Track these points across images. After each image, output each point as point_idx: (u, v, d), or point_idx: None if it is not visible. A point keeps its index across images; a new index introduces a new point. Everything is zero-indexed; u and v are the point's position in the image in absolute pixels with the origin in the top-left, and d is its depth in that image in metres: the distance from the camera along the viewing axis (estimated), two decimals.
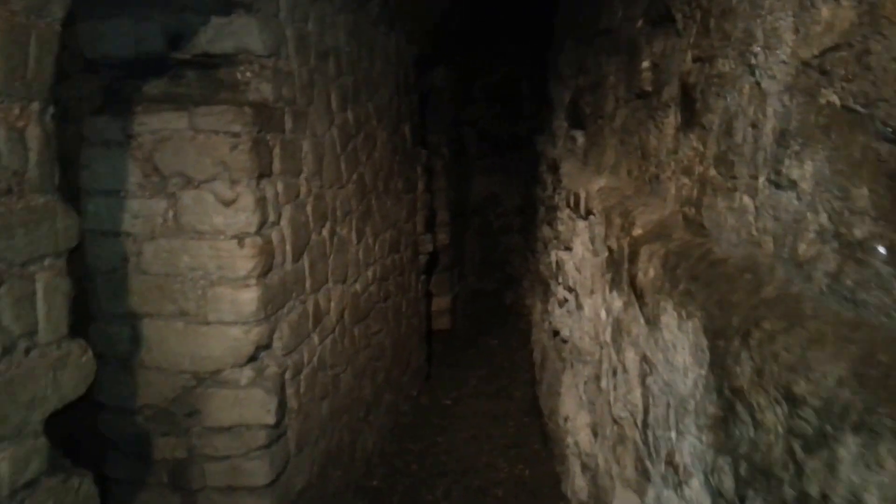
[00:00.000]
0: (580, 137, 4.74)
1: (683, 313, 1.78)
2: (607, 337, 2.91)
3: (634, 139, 3.06)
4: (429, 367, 6.37)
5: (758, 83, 1.51)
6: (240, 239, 2.73)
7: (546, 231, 5.66)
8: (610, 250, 2.89)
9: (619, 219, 2.80)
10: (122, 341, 2.88)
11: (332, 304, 3.66)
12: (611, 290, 2.85)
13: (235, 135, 2.67)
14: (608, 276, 2.92)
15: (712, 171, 1.88)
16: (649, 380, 2.14)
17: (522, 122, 8.24)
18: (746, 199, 1.63)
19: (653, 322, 2.07)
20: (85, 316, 2.91)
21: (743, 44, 1.62)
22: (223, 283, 2.77)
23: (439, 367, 6.69)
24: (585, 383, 3.50)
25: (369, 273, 4.32)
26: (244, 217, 2.72)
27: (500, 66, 8.27)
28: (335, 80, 3.64)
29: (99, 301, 2.89)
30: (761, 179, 1.48)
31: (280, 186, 2.97)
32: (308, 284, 3.31)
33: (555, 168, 5.28)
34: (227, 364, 2.83)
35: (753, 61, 1.54)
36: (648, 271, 2.16)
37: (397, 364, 5.09)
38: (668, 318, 1.90)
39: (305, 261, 3.26)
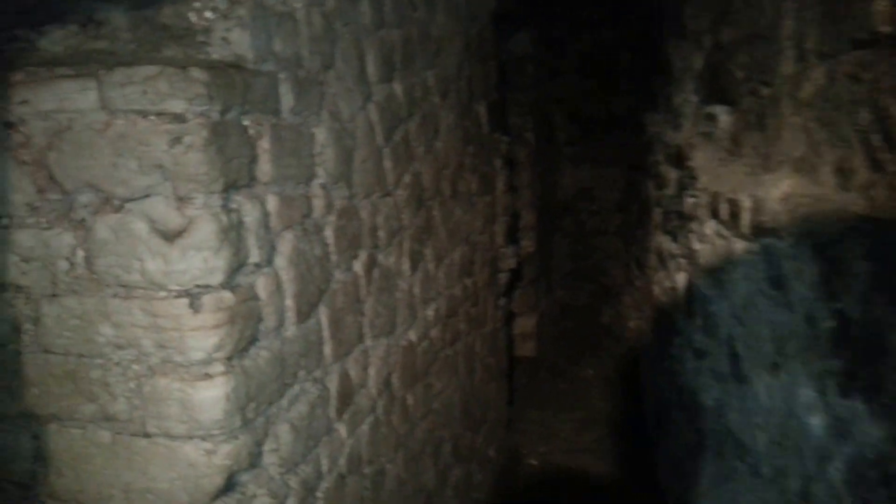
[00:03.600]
0: (724, 116, 3.51)
1: None
2: (833, 474, 1.71)
3: (859, 115, 1.87)
4: (509, 410, 5.24)
5: None
6: (193, 297, 1.65)
7: (665, 243, 4.43)
8: (844, 318, 1.69)
9: None
10: (22, 457, 1.85)
11: (372, 370, 2.56)
12: (844, 394, 1.64)
13: (178, 117, 1.59)
14: (835, 364, 1.72)
15: None
16: None
17: (621, 99, 7.00)
18: None
19: None
20: None
21: None
22: (167, 372, 1.70)
23: (522, 409, 5.55)
24: None
25: (429, 312, 3.20)
26: (200, 259, 1.64)
27: (593, 31, 7.03)
28: (373, 32, 2.53)
29: None
30: None
31: (273, 202, 1.88)
32: (328, 351, 2.21)
33: (680, 159, 4.06)
34: (181, 503, 1.76)
35: None
36: None
37: (469, 425, 3.97)
38: None
39: (322, 316, 2.17)
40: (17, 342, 1.79)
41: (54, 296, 1.73)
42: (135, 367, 1.72)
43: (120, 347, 1.71)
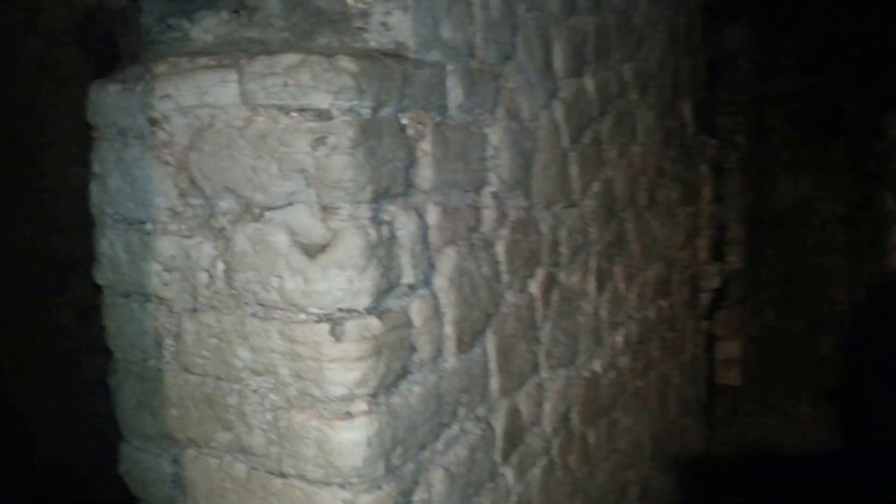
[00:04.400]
0: None
1: None
2: None
3: None
4: (707, 446, 4.70)
5: None
6: (334, 322, 1.43)
7: None
8: None
9: None
10: (162, 481, 1.74)
11: (547, 406, 2.25)
12: None
13: (322, 114, 1.37)
14: None
15: None
16: None
17: (852, 99, 6.15)
18: None
19: None
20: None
21: None
22: (304, 407, 1.49)
23: (722, 445, 4.97)
24: None
25: (618, 338, 2.84)
26: (344, 279, 1.41)
27: (819, 22, 6.24)
28: (562, 20, 2.22)
29: (124, 410, 1.77)
30: None
31: (433, 214, 1.63)
32: (495, 385, 1.93)
33: None
34: None
35: None
36: None
37: (661, 465, 3.54)
38: None
39: (488, 344, 1.89)
40: (158, 358, 1.67)
41: (194, 310, 1.59)
42: (272, 397, 1.53)
43: (257, 374, 1.53)
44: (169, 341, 1.65)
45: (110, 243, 1.67)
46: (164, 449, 1.72)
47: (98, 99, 1.62)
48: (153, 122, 1.54)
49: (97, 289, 1.78)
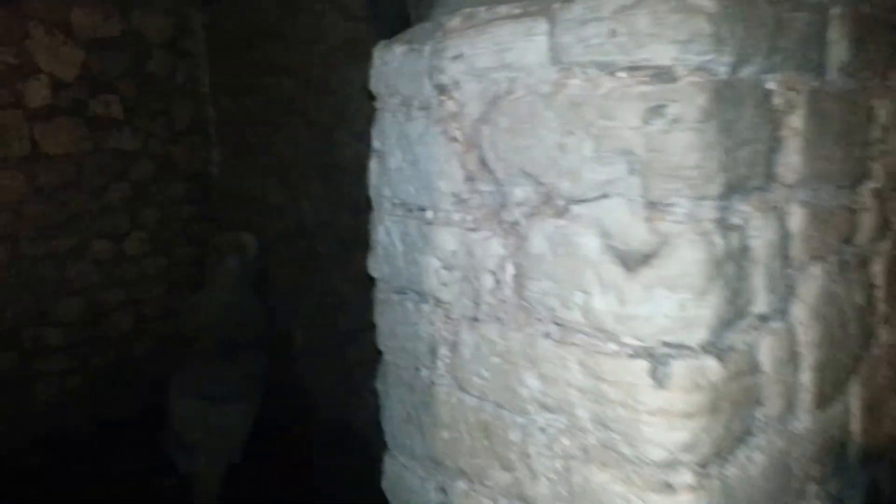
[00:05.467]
0: None
1: None
2: None
3: None
4: None
5: None
6: (656, 360, 1.07)
7: None
8: None
9: None
10: None
11: None
12: None
13: (661, 73, 1.00)
14: None
15: None
16: None
17: None
18: None
19: None
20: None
21: None
22: (607, 464, 1.14)
23: None
24: None
25: None
26: (674, 302, 1.04)
27: None
28: None
29: (390, 421, 1.56)
30: None
31: (797, 217, 1.19)
32: (855, 451, 1.44)
33: None
34: None
35: None
36: None
37: None
38: None
39: (853, 398, 1.40)
40: (431, 368, 1.42)
41: (475, 319, 1.31)
42: (564, 441, 1.20)
43: (546, 409, 1.21)
44: (444, 351, 1.39)
45: (386, 231, 1.45)
46: (431, 473, 1.48)
47: (381, 63, 1.40)
48: (441, 89, 1.28)
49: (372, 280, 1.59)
